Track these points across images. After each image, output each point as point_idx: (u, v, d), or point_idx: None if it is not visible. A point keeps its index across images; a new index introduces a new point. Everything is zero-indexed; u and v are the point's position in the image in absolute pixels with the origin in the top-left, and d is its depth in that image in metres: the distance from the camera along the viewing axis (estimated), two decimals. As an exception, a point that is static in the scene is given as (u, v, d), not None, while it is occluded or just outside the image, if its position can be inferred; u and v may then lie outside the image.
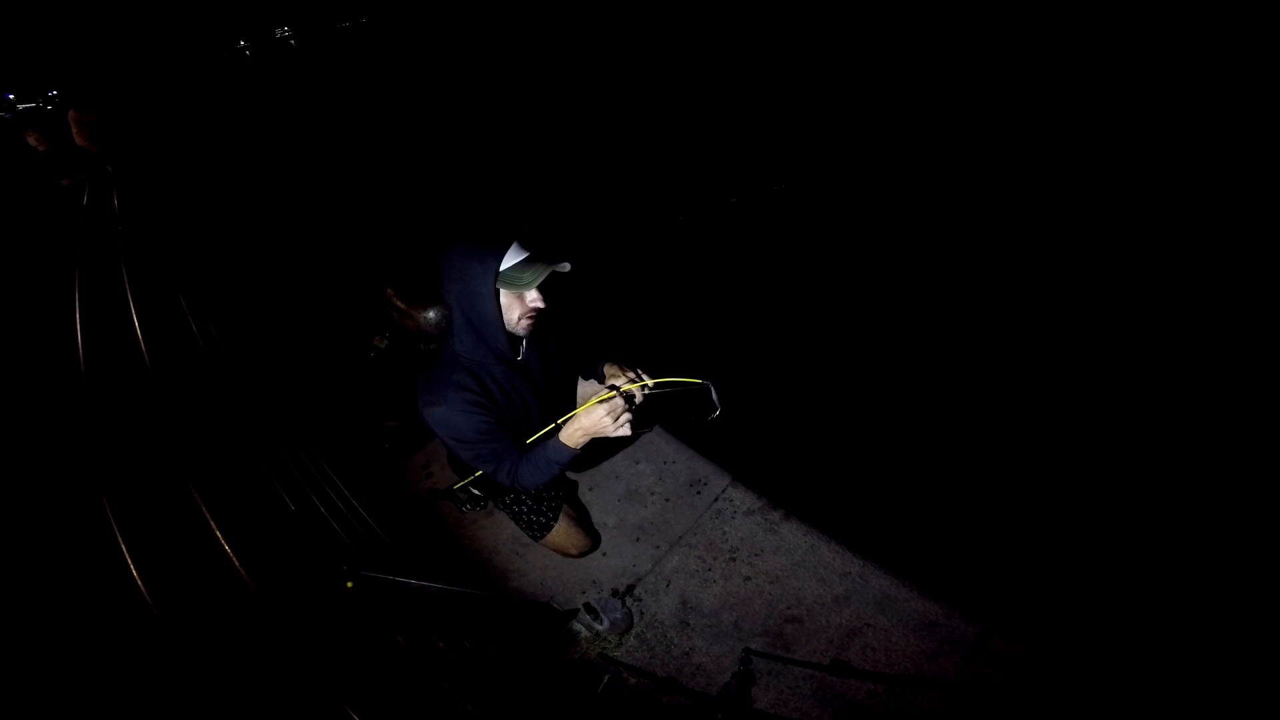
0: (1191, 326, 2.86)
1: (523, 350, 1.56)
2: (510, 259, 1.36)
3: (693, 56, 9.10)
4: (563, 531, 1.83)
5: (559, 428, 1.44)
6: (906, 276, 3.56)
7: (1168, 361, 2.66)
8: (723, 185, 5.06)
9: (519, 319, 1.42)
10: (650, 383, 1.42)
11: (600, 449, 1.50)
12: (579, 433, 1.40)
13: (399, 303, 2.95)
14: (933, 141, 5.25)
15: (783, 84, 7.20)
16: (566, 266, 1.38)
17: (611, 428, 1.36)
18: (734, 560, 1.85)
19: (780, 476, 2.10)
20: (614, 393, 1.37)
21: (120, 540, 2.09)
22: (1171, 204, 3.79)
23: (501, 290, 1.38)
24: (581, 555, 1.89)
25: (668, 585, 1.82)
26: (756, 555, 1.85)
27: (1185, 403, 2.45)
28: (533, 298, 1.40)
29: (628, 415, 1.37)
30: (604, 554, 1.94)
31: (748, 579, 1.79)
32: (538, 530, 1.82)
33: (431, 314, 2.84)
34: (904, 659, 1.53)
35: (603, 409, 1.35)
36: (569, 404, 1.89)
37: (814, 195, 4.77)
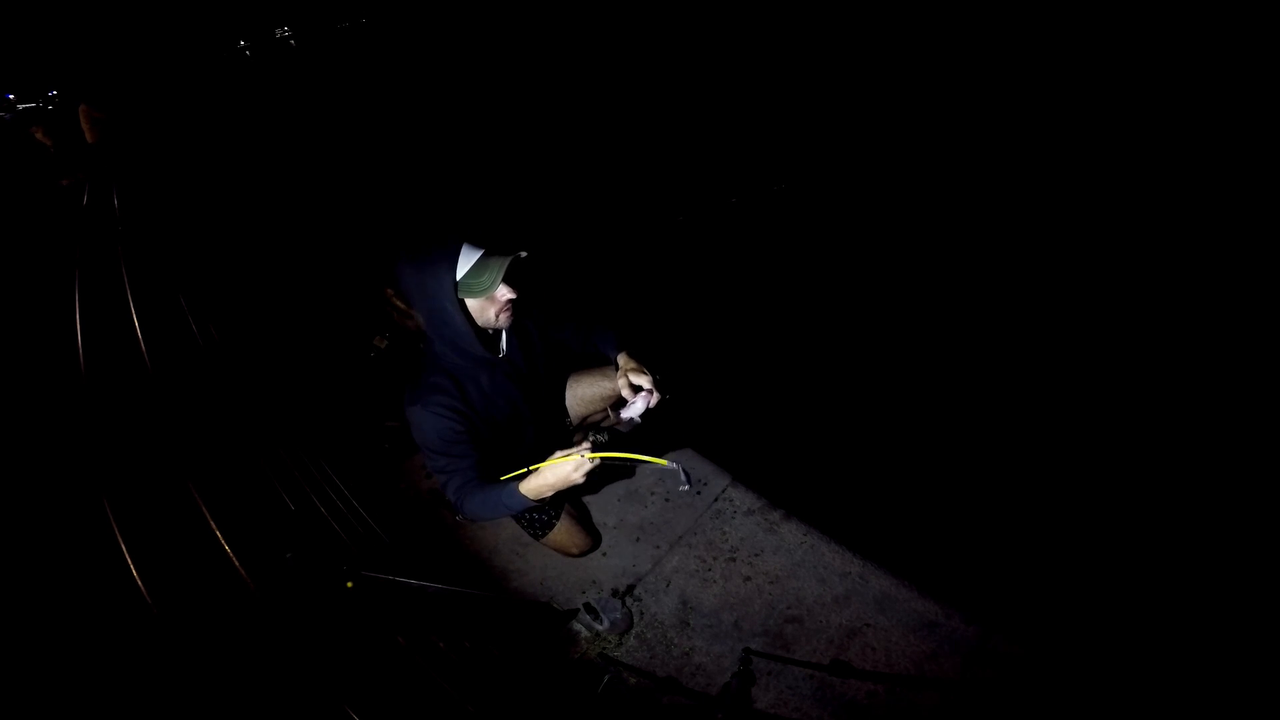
0: (1190, 326, 2.86)
1: (503, 346, 1.53)
2: (464, 263, 1.33)
3: (693, 56, 9.10)
4: (564, 530, 1.83)
5: (530, 474, 1.38)
6: (906, 276, 3.56)
7: (1166, 361, 2.66)
8: (723, 185, 5.06)
9: (496, 314, 1.39)
10: (620, 456, 1.35)
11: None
12: (546, 489, 1.34)
13: (399, 303, 2.95)
14: (933, 141, 5.25)
15: (782, 84, 7.20)
16: (524, 254, 1.35)
17: (577, 478, 1.32)
18: (734, 560, 1.85)
19: (780, 476, 2.10)
20: (579, 453, 1.31)
21: (120, 540, 2.09)
22: (1170, 204, 3.79)
23: (473, 296, 1.35)
24: (582, 554, 1.88)
25: (668, 585, 1.82)
26: (756, 555, 1.85)
27: (1184, 402, 2.45)
28: (503, 291, 1.36)
29: (589, 466, 1.32)
30: (604, 554, 1.94)
31: (748, 579, 1.79)
32: (539, 529, 1.82)
33: (431, 314, 2.84)
34: (904, 659, 1.53)
35: (569, 465, 1.30)
36: (558, 389, 1.87)
37: (814, 195, 4.77)
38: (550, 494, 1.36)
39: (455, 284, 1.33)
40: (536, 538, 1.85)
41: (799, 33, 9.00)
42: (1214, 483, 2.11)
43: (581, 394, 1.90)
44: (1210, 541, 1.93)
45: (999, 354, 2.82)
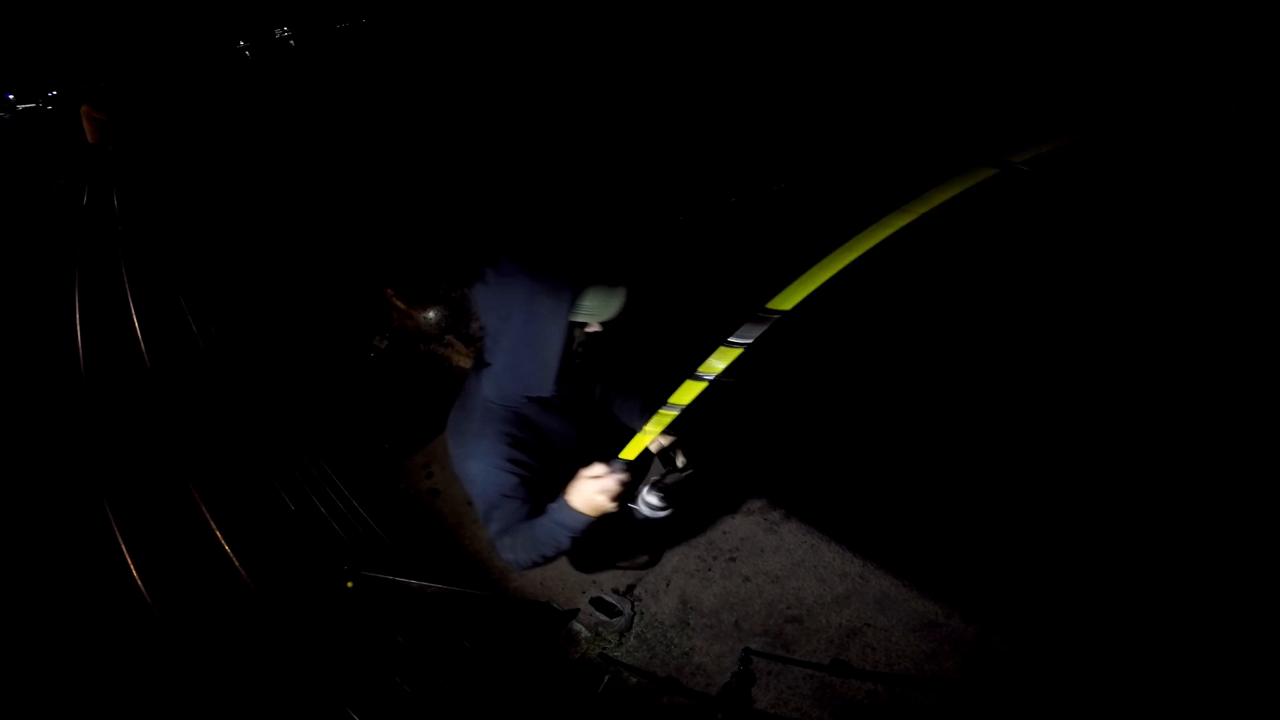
0: (1189, 326, 2.86)
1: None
2: (597, 295, 1.18)
3: (692, 56, 9.10)
4: None
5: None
6: (906, 276, 3.56)
7: (1166, 361, 2.66)
8: (723, 185, 5.06)
9: (575, 347, 1.23)
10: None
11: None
12: (588, 504, 1.22)
13: (399, 303, 2.96)
14: (932, 141, 5.25)
15: (782, 83, 7.20)
16: (623, 290, 1.22)
17: (609, 506, 1.22)
18: (734, 560, 1.85)
19: (780, 476, 2.09)
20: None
21: (120, 540, 2.09)
22: (1170, 204, 3.79)
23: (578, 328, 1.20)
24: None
25: (668, 585, 1.82)
26: (756, 555, 1.85)
27: (1183, 402, 2.45)
28: (592, 326, 1.21)
29: (616, 487, 1.20)
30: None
31: (747, 579, 1.79)
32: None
33: (431, 314, 2.85)
34: (904, 659, 1.53)
35: (599, 484, 1.20)
36: (619, 429, 1.68)
37: (814, 195, 4.77)
38: (595, 511, 1.24)
39: (573, 305, 1.16)
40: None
41: (798, 33, 9.00)
42: (1212, 483, 2.11)
43: None
44: (1209, 540, 1.93)
45: (999, 354, 2.82)
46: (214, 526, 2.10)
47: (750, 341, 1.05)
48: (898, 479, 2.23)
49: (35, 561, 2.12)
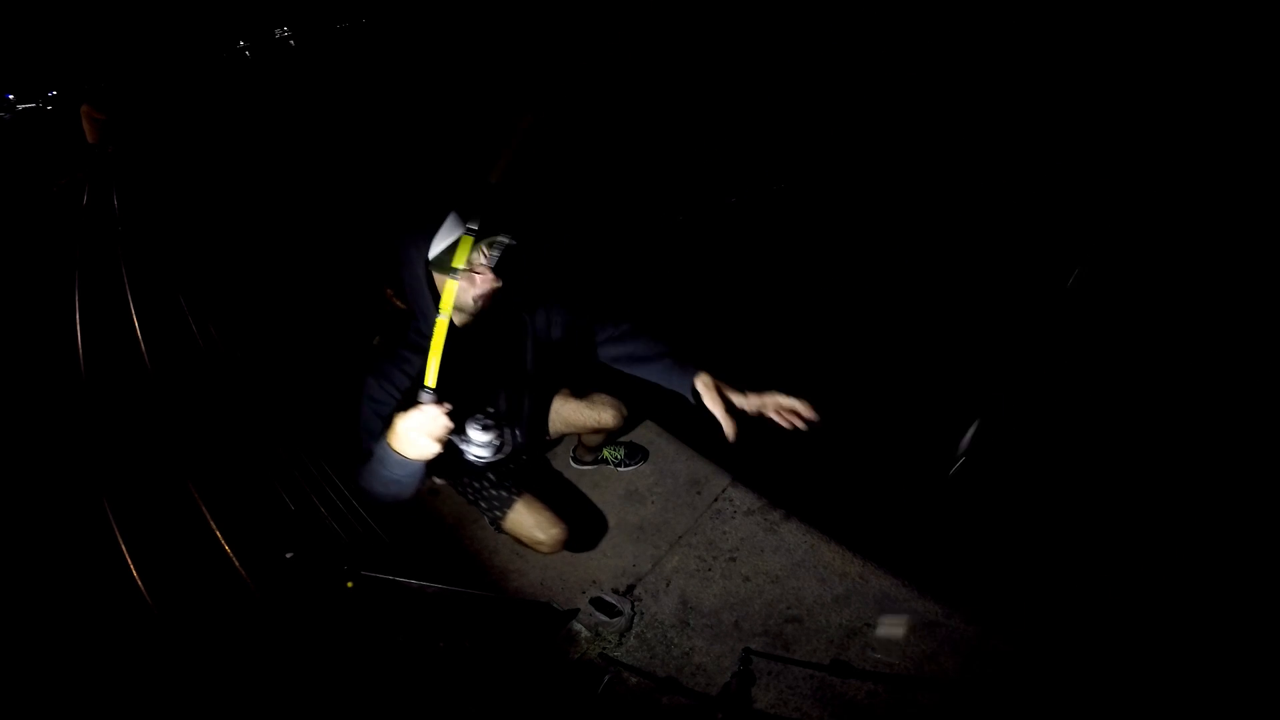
0: (1189, 325, 2.86)
1: None
2: (444, 239, 1.27)
3: (692, 55, 9.10)
4: (525, 511, 1.65)
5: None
6: (906, 276, 3.57)
7: (1164, 360, 2.66)
8: (723, 185, 5.05)
9: (473, 299, 1.31)
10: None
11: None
12: (403, 444, 1.13)
13: (399, 303, 2.95)
14: (932, 141, 5.25)
15: (781, 83, 7.20)
16: (505, 240, 1.29)
17: (429, 445, 1.11)
18: (734, 560, 1.85)
19: (780, 476, 2.09)
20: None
21: (120, 540, 2.09)
22: (1171, 205, 3.79)
23: (449, 274, 1.21)
24: (554, 546, 1.66)
25: (668, 585, 1.82)
26: (756, 555, 1.85)
27: (1182, 401, 2.45)
28: (485, 278, 1.29)
29: (429, 422, 1.09)
30: (604, 554, 1.94)
31: (747, 579, 1.79)
32: (499, 508, 1.66)
33: (431, 314, 2.84)
34: (904, 659, 1.53)
35: (415, 418, 1.09)
36: (546, 392, 1.78)
37: (814, 195, 4.77)
38: (418, 451, 1.14)
39: (429, 259, 1.29)
40: (497, 523, 1.68)
41: (797, 33, 9.00)
42: (1212, 482, 2.11)
43: (564, 413, 1.83)
44: (1209, 540, 1.93)
45: (998, 354, 2.82)
46: (214, 526, 2.10)
47: (478, 227, 1.14)
48: (898, 479, 2.23)
49: (35, 561, 2.12)
